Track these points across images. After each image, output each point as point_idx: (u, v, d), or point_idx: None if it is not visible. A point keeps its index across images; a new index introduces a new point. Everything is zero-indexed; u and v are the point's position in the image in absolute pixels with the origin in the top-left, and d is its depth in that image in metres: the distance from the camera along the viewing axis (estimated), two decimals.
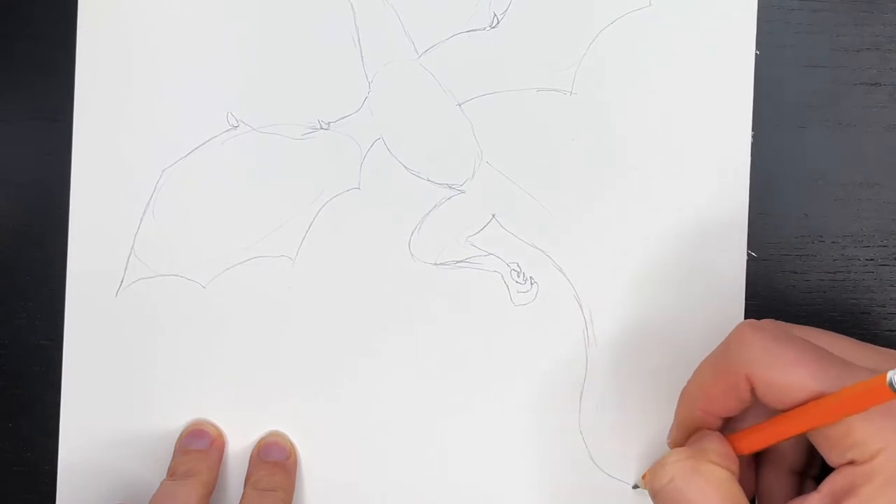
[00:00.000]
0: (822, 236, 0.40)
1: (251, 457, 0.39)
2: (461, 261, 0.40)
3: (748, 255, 0.39)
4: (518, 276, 0.40)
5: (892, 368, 0.30)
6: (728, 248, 0.39)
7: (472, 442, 0.40)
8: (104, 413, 0.40)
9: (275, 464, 0.39)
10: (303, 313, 0.40)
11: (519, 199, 0.39)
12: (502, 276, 0.40)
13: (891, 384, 0.28)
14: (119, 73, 0.40)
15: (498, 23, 0.40)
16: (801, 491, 0.36)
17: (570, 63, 0.40)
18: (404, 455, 0.40)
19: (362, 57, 0.40)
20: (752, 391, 0.32)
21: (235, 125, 0.40)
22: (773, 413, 0.33)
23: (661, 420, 0.39)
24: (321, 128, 0.40)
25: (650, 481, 0.33)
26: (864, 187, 0.40)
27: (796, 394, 0.31)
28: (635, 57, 0.39)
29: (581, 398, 0.39)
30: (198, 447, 0.39)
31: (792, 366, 0.31)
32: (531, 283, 0.40)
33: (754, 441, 0.33)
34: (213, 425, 0.39)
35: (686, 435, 0.35)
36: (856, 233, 0.40)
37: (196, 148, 0.40)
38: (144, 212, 0.40)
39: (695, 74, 0.39)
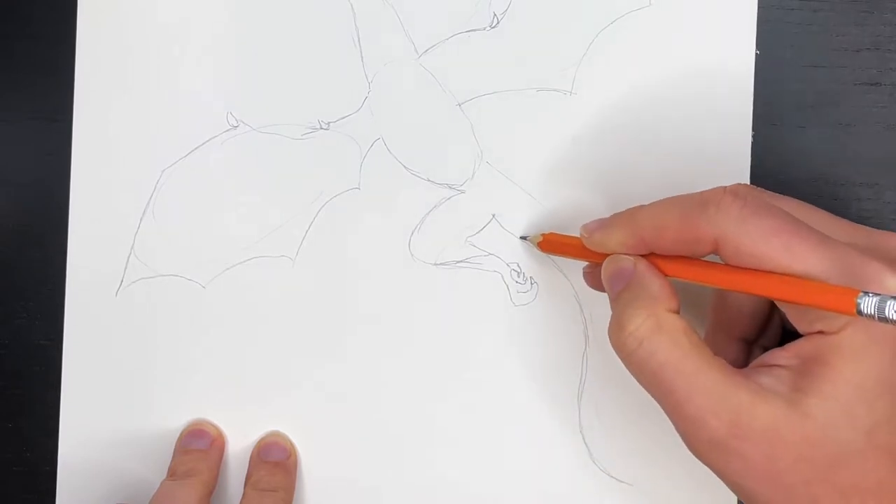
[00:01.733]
0: None
1: (251, 457, 0.39)
2: (461, 261, 0.40)
3: None
4: (518, 276, 0.40)
5: (878, 253, 0.30)
6: None
7: (472, 441, 0.40)
8: (104, 413, 0.40)
9: (275, 464, 0.39)
10: (303, 313, 0.40)
11: (519, 199, 0.40)
12: (502, 276, 0.40)
13: (857, 308, 0.27)
14: (119, 72, 0.40)
15: (498, 23, 0.40)
16: (747, 359, 0.36)
17: (570, 63, 0.40)
18: (404, 455, 0.40)
19: (362, 57, 0.40)
20: (712, 251, 0.31)
21: (235, 125, 0.40)
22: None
23: (661, 420, 0.39)
24: (321, 128, 0.40)
25: (617, 345, 0.32)
26: (864, 187, 0.40)
27: (765, 264, 0.30)
28: (635, 57, 0.39)
29: (581, 398, 0.39)
30: (198, 447, 0.39)
31: (767, 237, 0.30)
32: (531, 283, 0.40)
33: (688, 273, 0.32)
34: (213, 425, 0.39)
35: (607, 248, 0.34)
36: None
37: (196, 148, 0.40)
38: (144, 212, 0.40)
39: (695, 74, 0.39)
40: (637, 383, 0.32)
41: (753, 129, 0.39)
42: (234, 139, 0.40)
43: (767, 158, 0.39)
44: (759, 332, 0.36)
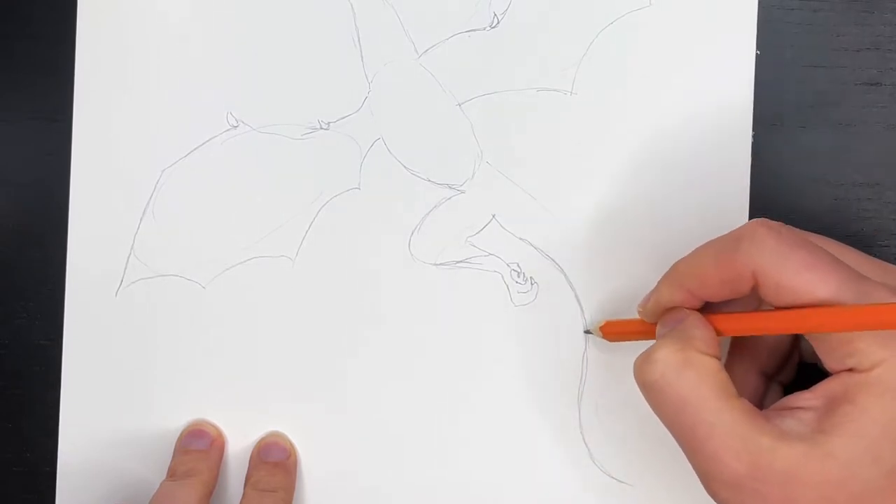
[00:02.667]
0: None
1: (251, 457, 0.39)
2: (461, 261, 0.40)
3: None
4: (518, 276, 0.40)
5: None
6: None
7: (472, 442, 0.40)
8: (104, 413, 0.40)
9: (275, 464, 0.39)
10: (302, 313, 0.40)
11: (519, 199, 0.39)
12: (502, 276, 0.40)
13: None
14: (119, 73, 0.40)
15: (498, 23, 0.40)
16: (764, 393, 0.36)
17: (570, 63, 0.40)
18: (404, 455, 0.40)
19: (362, 57, 0.40)
20: (754, 288, 0.31)
21: (235, 125, 0.40)
22: (759, 303, 0.32)
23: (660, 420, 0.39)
24: (321, 128, 0.40)
25: (639, 375, 0.32)
26: (864, 187, 0.40)
27: (803, 298, 0.30)
28: (636, 57, 0.39)
29: (581, 398, 0.39)
30: (198, 447, 0.39)
31: (805, 270, 0.30)
32: (531, 283, 0.40)
33: (741, 326, 0.33)
34: (213, 425, 0.39)
35: (662, 310, 0.34)
36: (856, 233, 0.40)
37: (196, 148, 0.40)
38: (144, 212, 0.40)
39: (695, 74, 0.39)
40: (636, 382, 0.32)
41: (753, 129, 0.39)
42: (234, 139, 0.40)
43: (767, 158, 0.39)
44: (779, 368, 0.36)
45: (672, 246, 0.39)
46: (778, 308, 0.31)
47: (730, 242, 0.32)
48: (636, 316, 0.36)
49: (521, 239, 0.40)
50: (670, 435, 0.32)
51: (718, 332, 0.33)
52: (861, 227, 0.40)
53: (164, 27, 0.40)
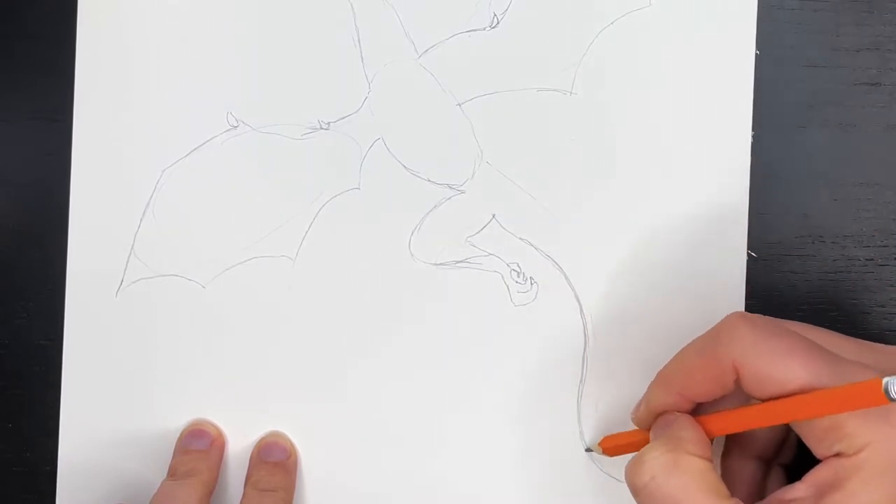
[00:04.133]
0: (822, 236, 0.40)
1: (251, 457, 0.39)
2: (461, 261, 0.40)
3: (748, 255, 0.39)
4: (518, 276, 0.40)
5: (886, 369, 0.30)
6: (728, 248, 0.39)
7: (471, 441, 0.40)
8: (104, 413, 0.40)
9: (275, 464, 0.39)
10: (303, 313, 0.40)
11: (519, 199, 0.39)
12: (502, 276, 0.40)
13: (886, 390, 0.28)
14: (119, 73, 0.40)
15: (498, 23, 0.40)
16: (765, 478, 0.36)
17: (570, 63, 0.40)
18: (404, 454, 0.40)
19: (362, 57, 0.40)
20: (737, 381, 0.32)
21: (235, 125, 0.40)
22: (747, 398, 0.33)
23: None
24: (321, 128, 0.40)
25: (630, 478, 0.32)
26: (864, 187, 0.40)
27: (785, 386, 0.31)
28: (635, 57, 0.39)
29: (580, 398, 0.39)
30: (198, 447, 0.39)
31: (782, 358, 0.31)
32: (531, 283, 0.40)
33: (730, 425, 0.33)
34: (214, 425, 0.39)
35: (654, 415, 0.35)
36: (856, 233, 0.40)
37: (196, 148, 0.40)
38: (144, 212, 0.40)
39: (695, 74, 0.39)
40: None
41: (753, 130, 0.39)
42: (234, 139, 0.40)
43: (767, 158, 0.39)
44: (776, 451, 0.36)
45: (672, 245, 0.39)
46: (762, 400, 0.31)
47: (709, 338, 0.33)
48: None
49: (521, 239, 0.40)
50: None
51: (709, 433, 0.33)
52: (861, 227, 0.40)
53: (164, 27, 0.40)
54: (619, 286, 0.39)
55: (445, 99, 0.40)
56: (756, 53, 0.39)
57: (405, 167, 0.40)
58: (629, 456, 0.33)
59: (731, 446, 0.36)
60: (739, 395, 0.33)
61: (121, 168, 0.40)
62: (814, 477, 0.31)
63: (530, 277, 0.40)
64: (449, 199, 0.40)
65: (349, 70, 0.40)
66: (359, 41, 0.40)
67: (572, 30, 0.39)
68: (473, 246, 0.40)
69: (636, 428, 0.36)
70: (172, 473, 0.38)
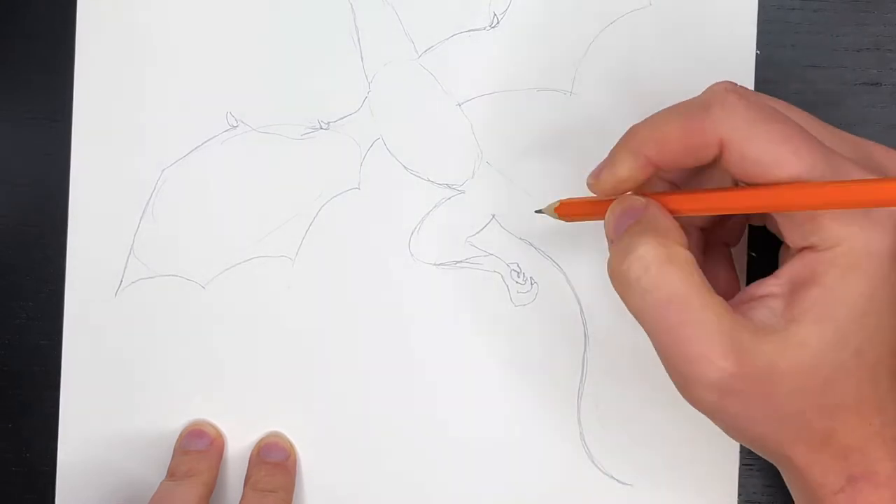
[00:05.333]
0: None
1: (251, 457, 0.39)
2: (461, 261, 0.40)
3: (748, 255, 0.39)
4: (518, 276, 0.40)
5: (861, 161, 0.29)
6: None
7: (471, 442, 0.39)
8: (104, 413, 0.40)
9: (274, 464, 0.39)
10: (302, 313, 0.40)
11: (519, 199, 0.39)
12: (502, 276, 0.40)
13: None
14: (119, 72, 0.40)
15: (498, 23, 0.40)
16: (704, 250, 0.35)
17: (570, 63, 0.39)
18: (404, 454, 0.40)
19: (362, 57, 0.40)
20: (717, 157, 0.30)
21: (235, 125, 0.40)
22: (718, 178, 0.31)
23: (660, 420, 0.39)
24: (321, 128, 0.40)
25: (620, 274, 0.30)
26: None
27: (773, 173, 0.29)
28: (635, 57, 0.39)
29: (580, 398, 0.39)
30: (197, 447, 0.39)
31: (777, 144, 0.29)
32: (531, 283, 0.40)
33: (706, 206, 0.31)
34: (213, 426, 0.39)
35: (618, 182, 0.32)
36: None
37: (196, 148, 0.40)
38: (144, 212, 0.40)
39: (695, 74, 0.39)
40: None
41: None
42: (234, 139, 0.40)
43: None
44: (715, 222, 0.35)
45: None
46: (744, 182, 0.30)
47: (697, 107, 0.30)
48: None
49: (521, 239, 0.40)
50: (656, 352, 0.31)
51: (674, 213, 0.31)
52: None
53: (164, 27, 0.40)
54: None
55: (445, 99, 0.40)
56: (756, 53, 0.39)
57: (405, 167, 0.40)
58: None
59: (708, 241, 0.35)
60: (708, 172, 0.32)
61: (120, 168, 0.40)
62: (788, 272, 0.30)
63: (530, 277, 0.40)
64: (449, 199, 0.40)
65: (349, 70, 0.40)
66: (359, 41, 0.40)
67: (572, 30, 0.39)
68: (473, 246, 0.40)
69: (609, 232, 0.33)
70: (172, 474, 0.38)
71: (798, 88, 0.40)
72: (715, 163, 0.31)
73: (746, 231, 0.38)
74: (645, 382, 0.39)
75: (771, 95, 0.39)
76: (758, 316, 0.30)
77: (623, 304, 0.31)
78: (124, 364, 0.40)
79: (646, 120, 0.32)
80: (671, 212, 0.31)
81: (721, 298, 0.30)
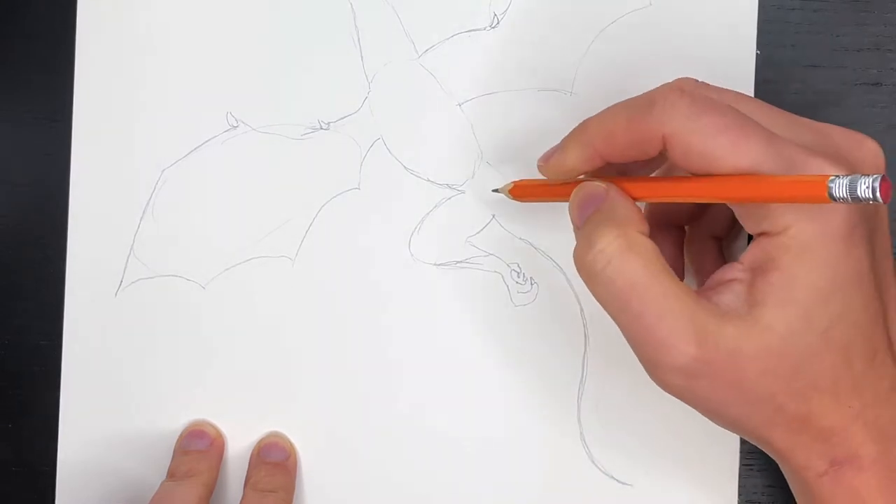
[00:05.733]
0: None
1: (251, 457, 0.39)
2: (461, 261, 0.40)
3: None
4: (518, 276, 0.40)
5: (818, 148, 0.29)
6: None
7: (471, 442, 0.39)
8: (104, 413, 0.40)
9: (275, 464, 0.39)
10: (302, 313, 0.40)
11: None
12: (502, 277, 0.40)
13: (830, 193, 0.27)
14: (118, 72, 0.40)
15: (498, 23, 0.40)
16: (681, 249, 0.36)
17: (570, 63, 0.39)
18: (404, 455, 0.40)
19: (362, 57, 0.40)
20: (663, 152, 0.31)
21: (235, 125, 0.40)
22: (669, 168, 0.32)
23: (660, 420, 0.39)
24: (321, 128, 0.40)
25: (583, 265, 0.31)
26: None
27: (714, 164, 0.30)
28: (635, 57, 0.39)
29: (580, 398, 0.39)
30: (198, 448, 0.39)
31: (715, 135, 0.30)
32: (531, 283, 0.40)
33: (655, 193, 0.32)
34: (213, 426, 0.39)
35: (566, 169, 0.34)
36: None
37: (196, 148, 0.40)
38: (144, 212, 0.40)
39: (695, 75, 0.39)
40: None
41: None
42: (234, 139, 0.40)
43: None
44: (698, 214, 0.36)
45: None
46: (690, 174, 0.31)
47: (642, 105, 0.31)
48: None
49: (521, 239, 0.40)
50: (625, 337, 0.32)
51: (634, 199, 0.32)
52: None
53: (164, 27, 0.40)
54: None
55: (445, 99, 0.40)
56: (756, 53, 0.39)
57: (405, 167, 0.40)
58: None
59: (650, 215, 0.36)
60: (657, 163, 0.33)
61: (120, 168, 0.40)
62: (748, 257, 0.31)
63: (530, 277, 0.40)
64: (449, 199, 0.40)
65: (349, 70, 0.40)
66: (359, 41, 0.40)
67: (572, 30, 0.39)
68: (473, 246, 0.40)
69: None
70: (172, 474, 0.38)
71: (798, 88, 0.40)
72: (660, 156, 0.32)
73: None
74: (645, 382, 0.39)
75: (771, 95, 0.39)
76: (723, 301, 0.31)
77: None
78: (124, 364, 0.40)
79: (597, 114, 0.33)
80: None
81: (685, 285, 0.31)
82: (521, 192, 0.37)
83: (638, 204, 0.32)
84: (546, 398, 0.39)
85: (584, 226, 0.32)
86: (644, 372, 0.38)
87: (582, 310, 0.39)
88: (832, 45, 0.40)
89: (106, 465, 0.40)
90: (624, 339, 0.39)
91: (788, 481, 0.34)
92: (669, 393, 0.32)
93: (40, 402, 0.40)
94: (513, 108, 0.39)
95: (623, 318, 0.31)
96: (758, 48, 0.39)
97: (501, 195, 0.38)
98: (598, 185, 0.33)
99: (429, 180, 0.40)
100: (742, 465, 0.39)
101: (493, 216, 0.40)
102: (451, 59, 0.40)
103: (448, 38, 0.40)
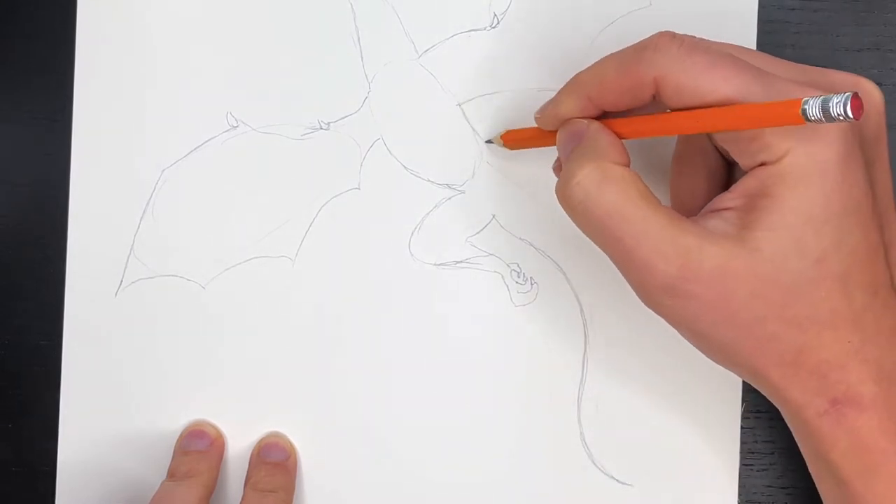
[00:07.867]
0: None
1: (251, 457, 0.39)
2: (461, 261, 0.40)
3: None
4: (518, 276, 0.40)
5: (819, 86, 0.30)
6: None
7: (471, 442, 0.40)
8: (104, 413, 0.40)
9: (275, 464, 0.39)
10: (302, 313, 0.40)
11: (519, 199, 0.39)
12: (502, 277, 0.40)
13: (804, 113, 0.27)
14: (119, 72, 0.40)
15: (498, 23, 0.40)
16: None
17: (570, 63, 0.39)
18: (404, 455, 0.40)
19: (362, 57, 0.40)
20: (655, 95, 0.32)
21: (235, 125, 0.40)
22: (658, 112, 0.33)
23: (661, 421, 0.39)
24: (321, 128, 0.40)
25: (563, 198, 0.32)
26: None
27: (704, 98, 0.30)
28: None
29: (580, 398, 0.39)
30: (198, 448, 0.39)
31: (704, 70, 0.30)
32: (531, 283, 0.40)
33: (642, 129, 0.33)
34: (213, 426, 0.39)
35: (560, 119, 0.34)
36: None
37: (196, 148, 0.40)
38: (144, 212, 0.40)
39: None
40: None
41: None
42: (234, 139, 0.40)
43: None
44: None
45: None
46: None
47: (633, 52, 0.32)
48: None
49: (521, 239, 0.40)
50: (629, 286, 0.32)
51: (620, 136, 0.33)
52: None
53: (164, 27, 0.40)
54: (619, 286, 0.39)
55: (445, 99, 0.40)
56: None
57: (405, 167, 0.40)
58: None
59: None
60: (651, 109, 0.33)
61: (120, 168, 0.40)
62: (742, 186, 0.31)
63: (530, 277, 0.40)
64: (449, 199, 0.40)
65: (349, 70, 0.40)
66: (359, 41, 0.40)
67: (572, 30, 0.39)
68: (473, 246, 0.40)
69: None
70: (172, 474, 0.38)
71: None
72: (653, 102, 0.32)
73: None
74: (645, 383, 0.39)
75: None
76: (710, 224, 0.31)
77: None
78: (124, 364, 0.40)
79: (588, 67, 0.34)
80: (617, 135, 0.33)
81: (669, 209, 0.31)
82: (512, 139, 0.38)
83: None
84: (546, 398, 0.39)
85: (566, 162, 0.33)
86: (644, 372, 0.38)
87: (582, 310, 0.39)
88: (832, 45, 0.40)
89: (106, 465, 0.40)
90: (624, 339, 0.39)
91: (790, 426, 0.33)
92: (660, 315, 0.32)
93: (40, 402, 0.40)
94: (513, 108, 0.39)
95: (606, 246, 0.32)
96: (758, 48, 0.39)
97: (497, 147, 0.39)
98: (581, 122, 0.34)
99: (429, 180, 0.40)
100: (742, 465, 0.39)
101: (493, 216, 0.40)
102: (451, 59, 0.40)
103: (448, 38, 0.40)
